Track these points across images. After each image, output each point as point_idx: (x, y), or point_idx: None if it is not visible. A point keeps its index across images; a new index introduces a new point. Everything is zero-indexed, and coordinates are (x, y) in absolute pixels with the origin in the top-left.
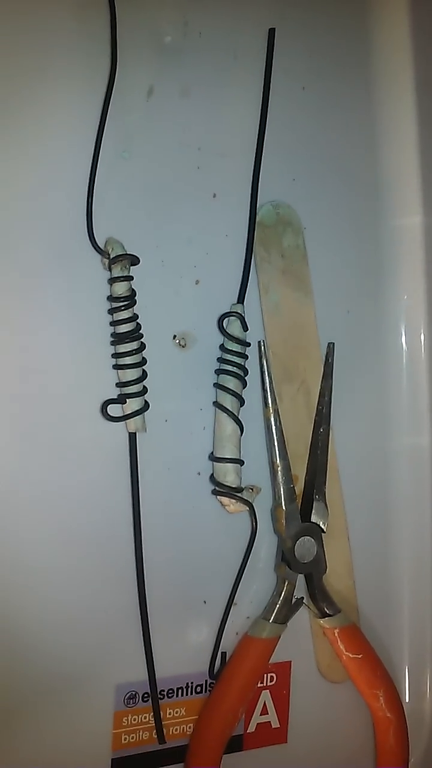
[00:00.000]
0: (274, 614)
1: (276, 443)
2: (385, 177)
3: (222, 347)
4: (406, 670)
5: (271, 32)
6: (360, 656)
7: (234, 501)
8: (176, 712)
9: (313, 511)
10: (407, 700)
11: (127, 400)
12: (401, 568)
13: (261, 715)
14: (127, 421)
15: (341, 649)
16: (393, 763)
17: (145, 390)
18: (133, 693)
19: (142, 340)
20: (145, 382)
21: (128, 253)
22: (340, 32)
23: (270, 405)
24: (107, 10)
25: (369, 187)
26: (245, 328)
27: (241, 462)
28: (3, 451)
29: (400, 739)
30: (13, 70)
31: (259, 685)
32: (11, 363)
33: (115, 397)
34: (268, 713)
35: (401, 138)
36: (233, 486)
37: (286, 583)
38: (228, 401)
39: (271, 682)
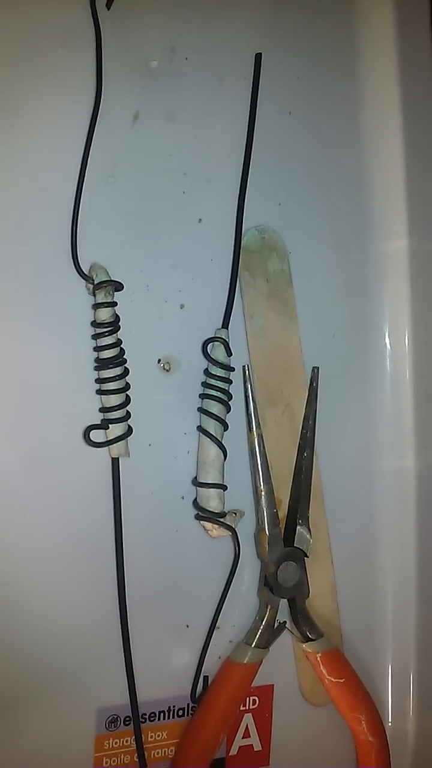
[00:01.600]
0: (256, 639)
1: (260, 468)
2: (371, 202)
3: (206, 372)
4: (389, 692)
5: (258, 57)
6: (342, 680)
7: (217, 526)
8: (158, 736)
9: (297, 536)
10: (390, 723)
11: (110, 425)
12: (385, 591)
13: (243, 738)
14: (110, 446)
15: (323, 673)
16: None
17: (128, 415)
18: (115, 717)
19: (126, 365)
20: (128, 407)
21: (112, 279)
22: (326, 57)
23: (254, 429)
24: (93, 35)
25: (355, 211)
26: (229, 353)
27: (224, 487)
28: None
29: (382, 762)
30: (0, 98)
31: (241, 708)
32: None
33: (99, 422)
34: (250, 736)
35: (387, 163)
36: (216, 511)
37: (269, 608)
38: (212, 426)
39: (253, 705)
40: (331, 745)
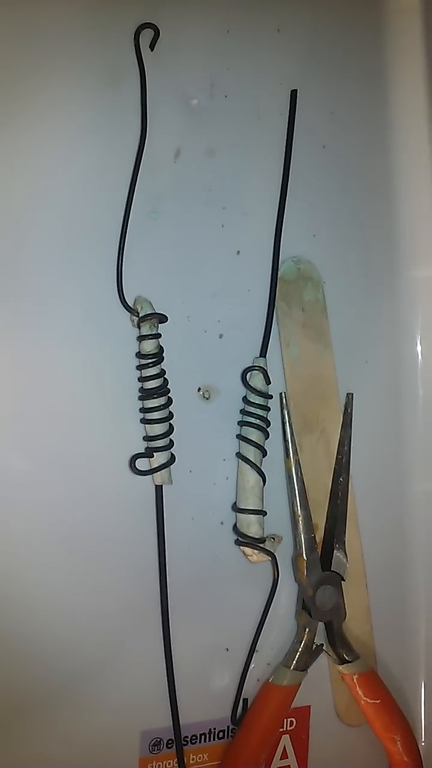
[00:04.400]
0: (294, 661)
1: (297, 493)
2: (402, 231)
3: (245, 399)
4: (423, 712)
5: (294, 93)
6: (378, 701)
7: (257, 551)
8: (199, 758)
9: (333, 560)
10: (423, 743)
11: (155, 453)
12: (418, 613)
13: (281, 759)
14: (154, 474)
15: (359, 695)
16: None
17: (171, 443)
18: (158, 739)
19: (168, 394)
20: (171, 436)
21: (156, 312)
22: (359, 93)
23: (291, 456)
24: (137, 76)
25: (386, 241)
26: (268, 381)
27: (263, 513)
28: (33, 501)
29: None
30: (50, 135)
31: (279, 730)
32: (43, 418)
33: (143, 450)
34: (287, 757)
35: (417, 193)
36: (256, 537)
37: (307, 631)
38: (251, 453)
39: (290, 726)
40: (366, 766)
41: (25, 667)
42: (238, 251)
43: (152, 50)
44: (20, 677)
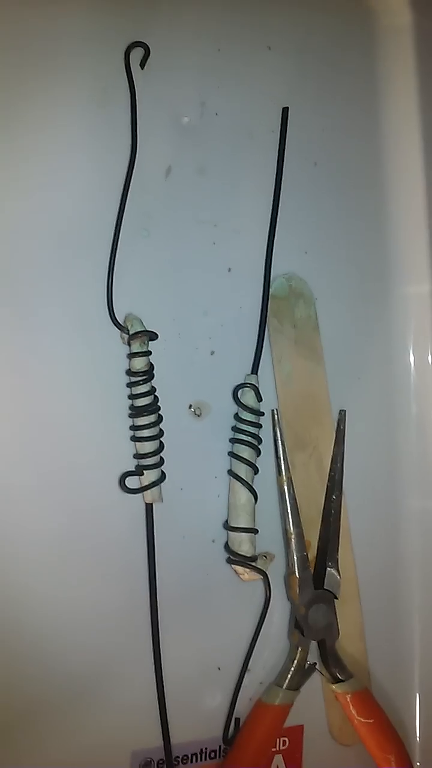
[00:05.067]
0: (287, 681)
1: (289, 511)
2: (394, 248)
3: (236, 416)
4: (417, 732)
5: (285, 111)
6: (371, 721)
7: (249, 570)
8: None
9: (326, 578)
10: (418, 763)
11: (145, 471)
12: (412, 631)
13: None
14: (144, 492)
15: (353, 714)
16: None
17: (162, 461)
18: (149, 760)
19: (159, 412)
20: (161, 453)
21: (147, 329)
22: (349, 110)
23: (284, 473)
24: (127, 94)
25: (378, 257)
26: (259, 398)
27: (255, 531)
28: (23, 519)
29: None
30: (41, 153)
31: (272, 749)
32: (32, 435)
33: (133, 468)
34: None
35: (409, 211)
36: (248, 555)
37: (299, 650)
38: (242, 470)
39: (283, 746)
40: None
41: (15, 685)
42: (230, 268)
43: (143, 68)
44: (10, 695)
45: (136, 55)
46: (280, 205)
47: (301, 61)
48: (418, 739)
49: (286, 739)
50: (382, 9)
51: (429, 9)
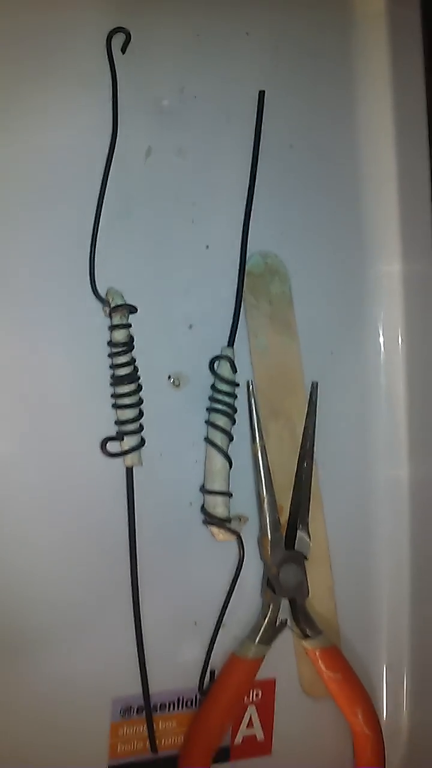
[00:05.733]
0: (259, 635)
1: (263, 477)
2: (367, 228)
3: (213, 387)
4: (384, 688)
5: (261, 94)
6: (339, 675)
7: (223, 530)
8: (168, 725)
9: (297, 540)
10: (384, 718)
11: (125, 437)
12: (380, 592)
13: (247, 728)
14: (125, 456)
15: (322, 669)
16: None
17: (141, 428)
18: (129, 706)
19: (139, 381)
20: (141, 420)
21: (127, 303)
22: (325, 94)
23: (257, 441)
24: (109, 77)
25: (352, 237)
26: (234, 369)
27: (229, 494)
28: (10, 482)
29: (378, 753)
30: (24, 133)
31: (245, 700)
32: (17, 402)
33: (114, 434)
34: (253, 726)
35: (382, 192)
36: (222, 516)
37: (271, 607)
38: (218, 438)
39: (257, 698)
40: (330, 736)
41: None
42: (208, 246)
43: (123, 53)
44: None
45: (118, 40)
46: (256, 185)
47: (278, 46)
48: (385, 695)
49: (259, 691)
50: None
51: None
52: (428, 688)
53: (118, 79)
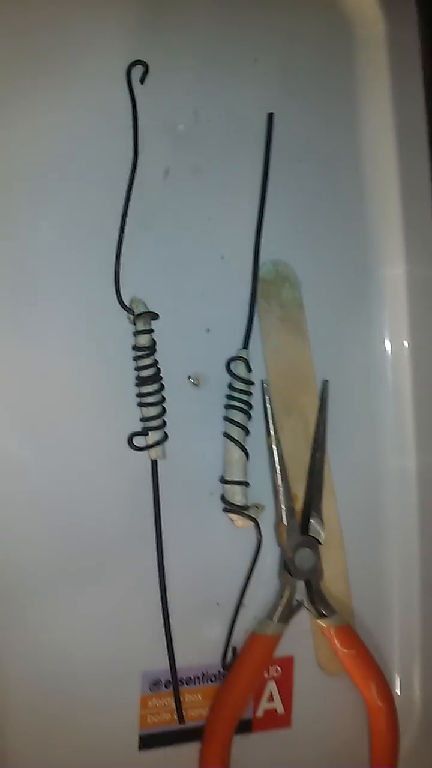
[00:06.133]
0: (277, 614)
1: (278, 467)
2: (372, 235)
3: (230, 386)
4: (396, 665)
5: (270, 116)
6: (354, 652)
7: (242, 517)
8: (194, 698)
9: (311, 526)
10: (398, 692)
11: (150, 432)
12: (391, 575)
13: (268, 702)
14: (150, 450)
15: (337, 646)
16: (385, 747)
17: (164, 423)
18: (157, 680)
19: (161, 381)
20: (164, 416)
21: (150, 310)
22: (330, 112)
23: (272, 434)
24: (129, 105)
25: (358, 244)
26: (249, 369)
27: (247, 484)
28: (43, 475)
29: (392, 725)
30: (53, 156)
31: (266, 676)
32: (50, 403)
33: (140, 430)
34: (273, 701)
35: (386, 201)
36: (240, 504)
37: (288, 588)
38: (235, 432)
39: (276, 673)
40: (346, 710)
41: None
42: (223, 256)
43: (142, 83)
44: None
45: (137, 71)
46: (267, 199)
47: (284, 70)
48: (397, 671)
49: (279, 667)
50: (359, 21)
51: (400, 21)
52: None
53: (137, 106)
